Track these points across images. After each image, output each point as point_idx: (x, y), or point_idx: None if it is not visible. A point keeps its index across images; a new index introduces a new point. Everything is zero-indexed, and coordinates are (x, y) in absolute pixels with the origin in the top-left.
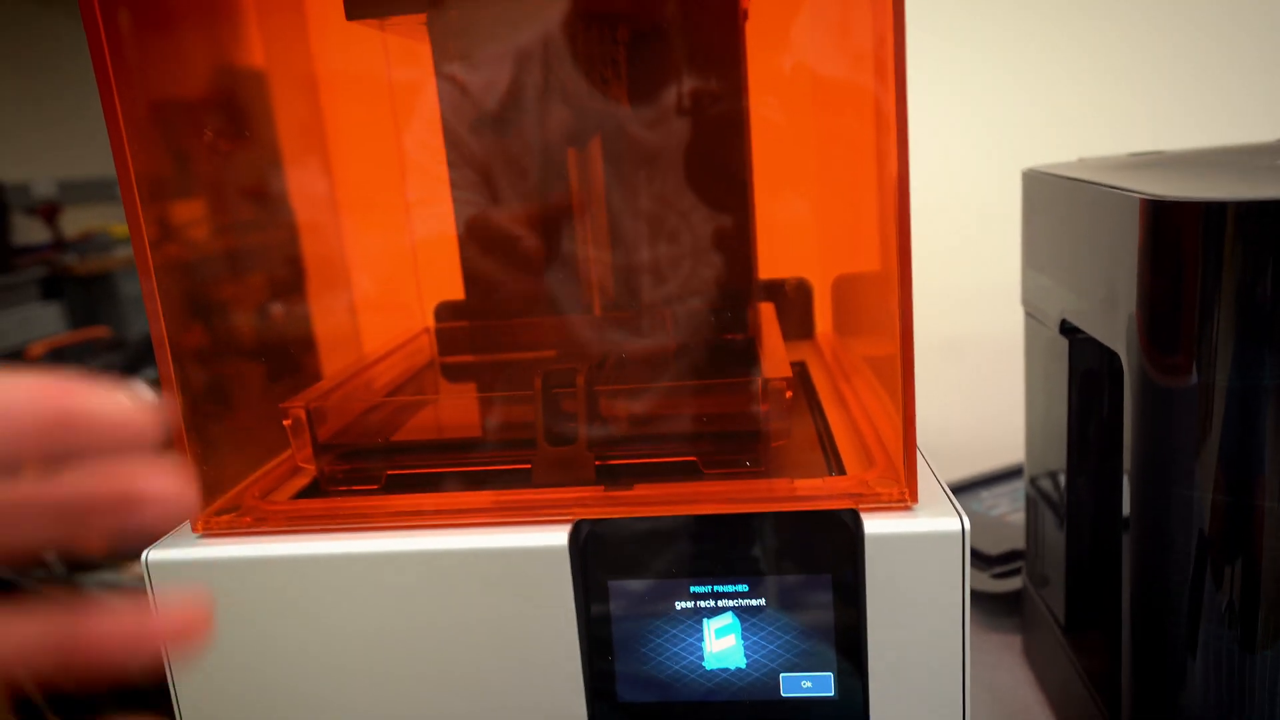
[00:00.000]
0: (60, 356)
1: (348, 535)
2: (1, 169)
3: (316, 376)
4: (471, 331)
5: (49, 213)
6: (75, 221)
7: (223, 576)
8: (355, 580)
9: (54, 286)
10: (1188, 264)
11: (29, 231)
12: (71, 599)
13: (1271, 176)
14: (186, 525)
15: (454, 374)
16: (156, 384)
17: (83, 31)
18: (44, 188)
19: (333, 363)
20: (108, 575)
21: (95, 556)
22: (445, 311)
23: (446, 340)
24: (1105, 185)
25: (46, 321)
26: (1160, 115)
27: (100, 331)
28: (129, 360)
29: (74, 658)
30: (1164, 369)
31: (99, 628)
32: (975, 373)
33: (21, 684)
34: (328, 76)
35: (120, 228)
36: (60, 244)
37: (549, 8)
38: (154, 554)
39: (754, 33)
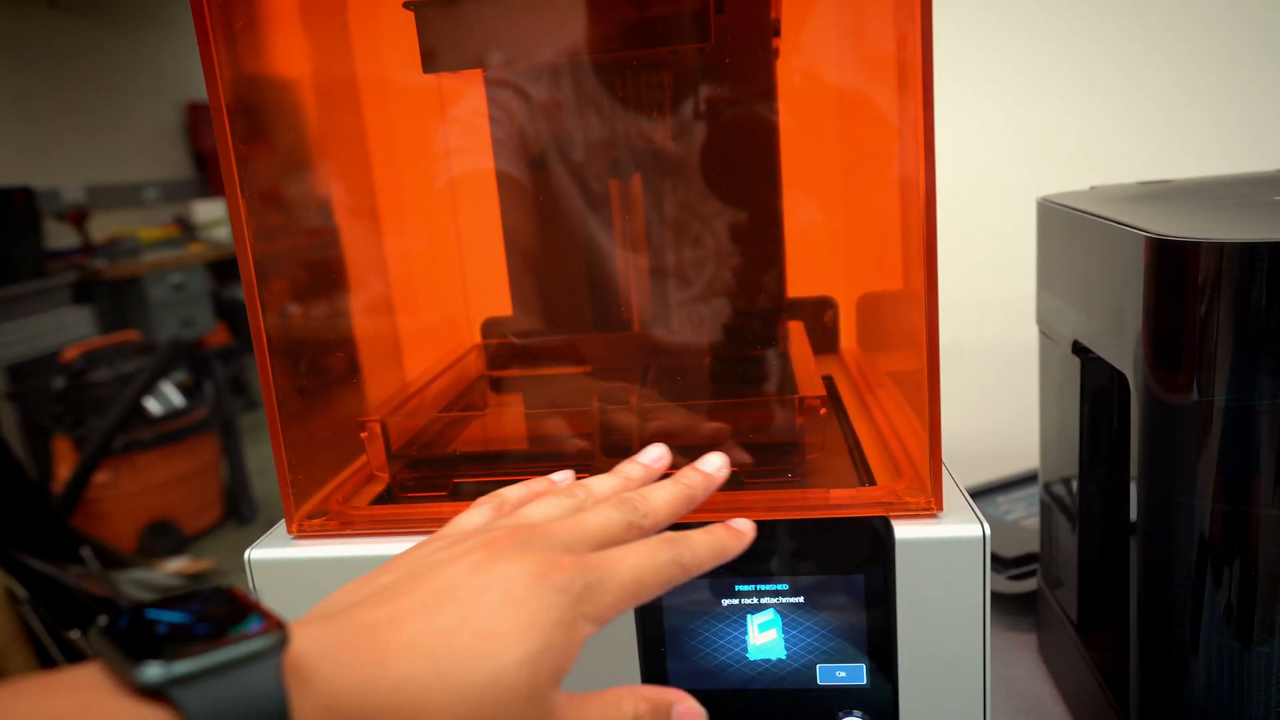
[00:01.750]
0: (93, 360)
1: (423, 538)
2: (32, 175)
3: (375, 390)
4: (518, 347)
5: (78, 218)
6: (102, 226)
7: (317, 574)
8: None
9: (84, 290)
10: (1189, 295)
11: (59, 236)
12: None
13: (1270, 212)
14: (281, 526)
15: (501, 387)
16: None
17: (110, 40)
18: (72, 193)
19: (390, 376)
20: (141, 573)
21: (128, 555)
22: (492, 327)
23: (494, 355)
24: (1115, 221)
25: (78, 325)
26: (1169, 140)
27: (131, 335)
28: (159, 363)
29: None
30: (1168, 387)
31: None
32: (990, 381)
33: None
34: (379, 93)
35: (147, 232)
36: (89, 248)
37: (600, 57)
38: (256, 553)
39: (784, 69)
